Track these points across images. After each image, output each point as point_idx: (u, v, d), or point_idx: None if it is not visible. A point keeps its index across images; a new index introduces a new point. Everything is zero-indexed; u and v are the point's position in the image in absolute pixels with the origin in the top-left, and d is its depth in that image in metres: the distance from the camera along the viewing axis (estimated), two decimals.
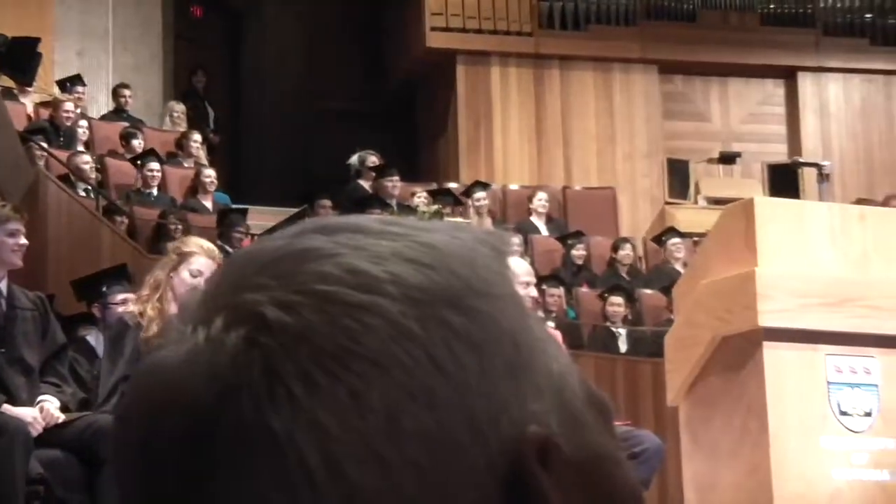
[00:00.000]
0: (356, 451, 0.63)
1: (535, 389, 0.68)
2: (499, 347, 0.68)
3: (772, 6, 15.72)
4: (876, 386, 4.48)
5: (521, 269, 5.66)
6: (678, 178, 15.23)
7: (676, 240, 12.71)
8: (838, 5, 15.78)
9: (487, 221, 13.22)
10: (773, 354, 4.37)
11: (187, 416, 0.65)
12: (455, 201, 12.90)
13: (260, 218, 11.93)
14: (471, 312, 0.67)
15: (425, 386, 0.65)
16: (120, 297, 7.38)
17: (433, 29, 14.90)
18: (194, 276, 5.15)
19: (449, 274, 0.68)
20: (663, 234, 13.16)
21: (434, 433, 0.64)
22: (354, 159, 13.56)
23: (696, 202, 15.05)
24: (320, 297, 0.66)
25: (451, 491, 0.64)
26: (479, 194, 13.02)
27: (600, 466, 0.71)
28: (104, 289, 8.04)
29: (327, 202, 12.60)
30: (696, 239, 11.69)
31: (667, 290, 9.90)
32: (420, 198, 12.68)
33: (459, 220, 10.88)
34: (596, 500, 0.69)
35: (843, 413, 4.40)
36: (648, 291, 12.23)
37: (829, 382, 4.41)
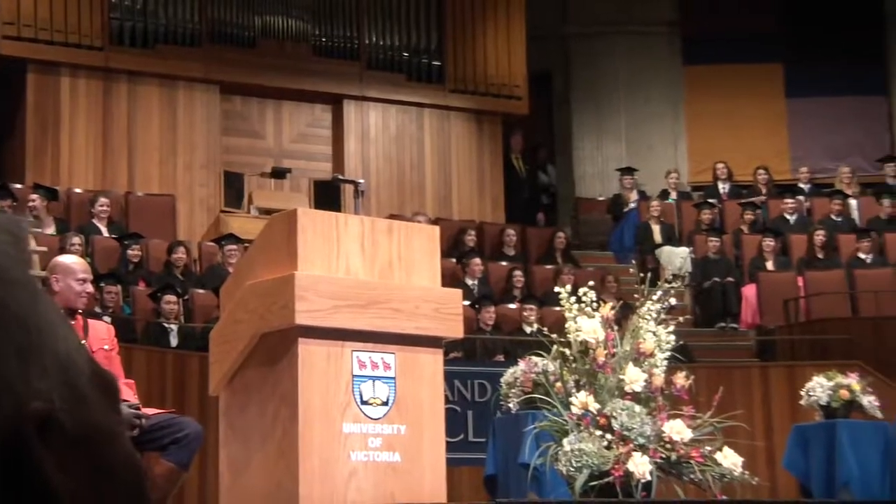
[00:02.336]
0: None
1: (42, 369, 0.67)
2: (6, 331, 0.66)
3: (323, 39, 16.00)
4: (393, 379, 4.63)
5: (78, 266, 5.56)
6: (233, 189, 15.24)
7: (233, 245, 12.74)
8: (380, 43, 16.24)
9: (50, 221, 12.82)
10: (307, 350, 4.44)
11: None
12: (13, 199, 12.57)
13: None
14: None
15: None
16: None
17: (5, 37, 14.27)
18: None
19: None
20: (222, 239, 13.18)
21: None
22: None
23: (248, 212, 15.10)
24: None
25: None
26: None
27: (101, 440, 0.70)
28: None
29: None
30: (246, 245, 11.74)
31: (218, 291, 9.88)
32: None
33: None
34: (97, 469, 0.68)
35: (364, 402, 4.53)
36: (201, 291, 12.21)
37: (353, 375, 4.53)
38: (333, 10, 16.06)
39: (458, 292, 5.17)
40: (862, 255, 15.02)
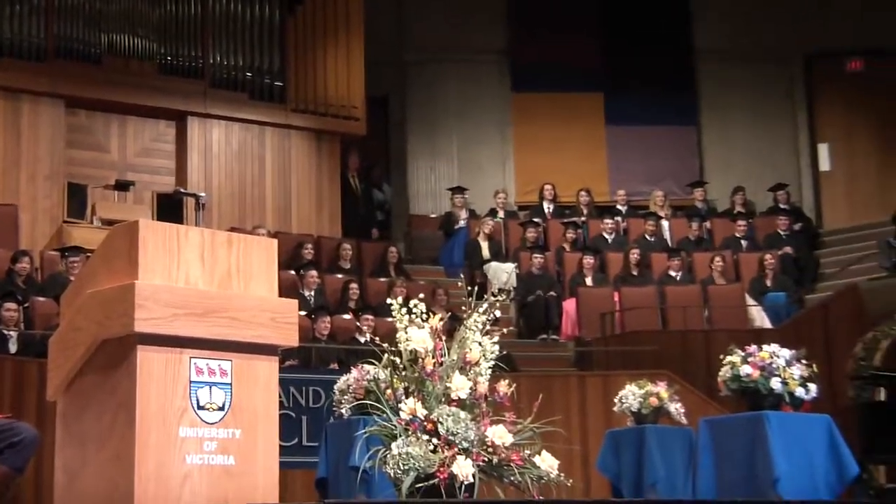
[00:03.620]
0: None
1: None
2: None
3: (168, 58, 15.76)
4: (230, 385, 4.59)
5: None
6: (77, 200, 14.89)
7: (76, 257, 12.45)
8: (224, 62, 16.08)
9: None
10: (145, 356, 4.36)
11: None
12: None
13: None
14: None
15: None
16: None
17: None
18: None
19: None
20: (65, 249, 12.89)
21: None
22: None
23: (92, 223, 14.76)
24: None
25: None
26: None
27: None
28: None
29: None
30: (88, 255, 11.48)
31: (59, 299, 9.64)
32: None
33: None
34: None
35: (201, 407, 4.47)
36: (41, 299, 11.88)
37: (191, 381, 4.47)
38: (179, 30, 15.85)
39: (295, 302, 5.15)
40: (672, 273, 15.43)
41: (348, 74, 16.84)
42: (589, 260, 15.46)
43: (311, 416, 10.66)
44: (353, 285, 14.23)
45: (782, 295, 15.11)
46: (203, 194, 5.90)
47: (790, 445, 7.60)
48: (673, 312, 14.59)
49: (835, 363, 12.71)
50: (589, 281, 15.36)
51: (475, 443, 6.05)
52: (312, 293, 13.91)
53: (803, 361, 8.19)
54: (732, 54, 18.50)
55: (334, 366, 11.84)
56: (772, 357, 8.08)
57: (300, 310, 11.74)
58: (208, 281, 4.66)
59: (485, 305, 6.80)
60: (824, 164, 18.40)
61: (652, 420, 8.96)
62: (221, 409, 4.52)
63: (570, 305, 15.06)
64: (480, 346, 6.63)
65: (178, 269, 4.57)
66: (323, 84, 16.70)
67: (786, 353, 8.19)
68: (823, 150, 18.45)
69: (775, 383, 7.94)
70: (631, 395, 9.01)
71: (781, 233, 16.50)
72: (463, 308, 7.13)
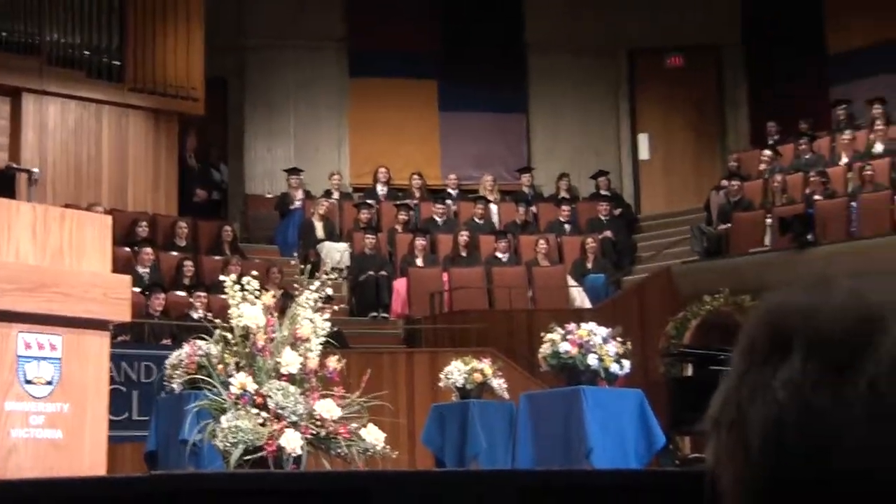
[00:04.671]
0: None
1: None
2: None
3: (3, 33, 15.25)
4: (59, 359, 4.52)
5: None
6: None
7: None
8: (62, 40, 15.65)
9: None
10: None
11: None
12: None
13: None
14: None
15: None
16: None
17: None
18: None
19: None
20: None
21: None
22: None
23: None
24: None
25: None
26: None
27: None
28: None
29: None
30: None
31: None
32: None
33: None
34: None
35: (28, 381, 4.40)
36: None
37: (18, 356, 4.38)
38: (15, 6, 15.35)
39: (127, 278, 5.09)
40: (499, 255, 15.68)
41: (188, 55, 16.58)
42: (420, 241, 15.59)
43: (143, 390, 10.52)
44: (188, 263, 14.06)
45: (601, 276, 15.50)
46: (36, 170, 5.78)
47: (604, 418, 7.83)
48: (499, 292, 14.83)
49: (648, 341, 13.12)
50: (419, 261, 15.49)
51: (304, 416, 6.09)
52: (147, 270, 13.70)
53: (619, 339, 8.45)
54: (561, 47, 18.83)
55: (167, 341, 11.69)
56: (589, 335, 8.32)
57: (134, 286, 11.56)
58: (40, 256, 4.57)
59: (317, 284, 6.83)
60: (643, 153, 18.91)
61: (476, 395, 9.11)
62: (50, 383, 4.45)
63: (400, 285, 15.17)
64: (311, 322, 6.67)
65: (7, 244, 4.48)
66: (162, 64, 16.40)
67: (602, 331, 8.44)
68: (643, 139, 18.96)
69: (592, 360, 8.18)
70: (456, 370, 9.14)
71: (602, 218, 16.90)
72: (296, 286, 7.15)
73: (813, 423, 0.76)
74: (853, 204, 14.07)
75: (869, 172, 14.37)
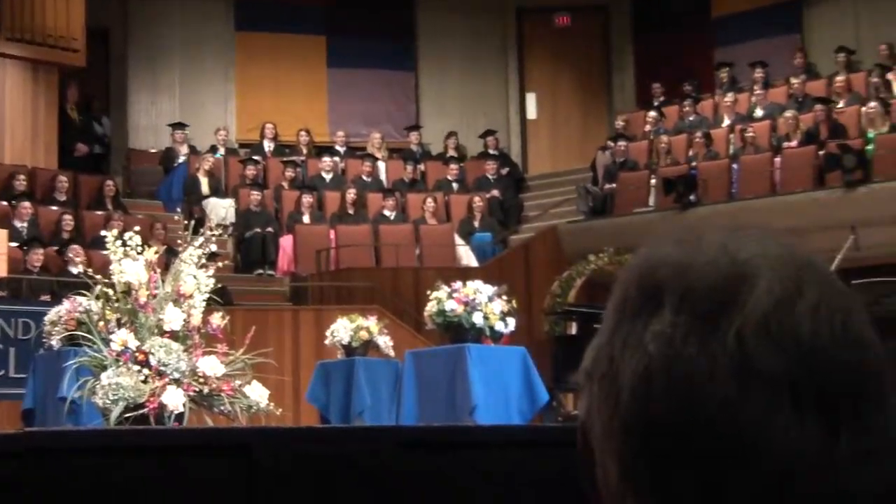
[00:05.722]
0: None
1: None
2: None
3: None
4: None
5: None
6: None
7: None
8: None
9: None
10: None
11: None
12: None
13: None
14: None
15: None
16: None
17: None
18: None
19: None
20: None
21: None
22: None
23: None
24: None
25: None
26: None
27: None
28: None
29: None
30: None
31: None
32: None
33: None
34: None
35: None
36: None
37: None
38: None
39: (3, 232, 4.97)
40: (387, 213, 15.66)
41: (68, 4, 16.13)
42: (307, 198, 15.49)
43: (20, 347, 10.29)
44: (68, 217, 13.77)
45: (488, 235, 15.59)
46: None
47: (488, 375, 7.90)
48: (386, 250, 14.83)
49: (534, 299, 13.26)
50: (306, 219, 15.40)
51: (186, 373, 6.03)
52: (25, 224, 13.38)
53: (504, 297, 8.52)
54: (450, 5, 18.80)
55: (46, 297, 11.45)
56: (475, 293, 8.38)
57: (11, 241, 11.28)
58: None
59: (201, 240, 6.75)
60: (531, 113, 19.02)
61: (361, 353, 9.12)
62: None
63: (286, 242, 15.07)
64: (195, 279, 6.59)
65: None
66: (41, 12, 15.94)
67: (488, 289, 8.51)
68: (531, 99, 19.06)
69: (477, 318, 8.23)
70: (342, 328, 9.13)
71: (489, 177, 16.97)
72: (179, 242, 7.05)
73: (681, 376, 0.77)
74: (734, 165, 14.35)
75: (750, 135, 14.66)
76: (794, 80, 15.79)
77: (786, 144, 14.36)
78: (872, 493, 0.76)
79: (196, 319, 6.44)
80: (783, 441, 0.76)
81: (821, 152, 13.56)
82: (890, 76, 14.86)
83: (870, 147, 13.22)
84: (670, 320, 0.79)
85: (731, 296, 0.78)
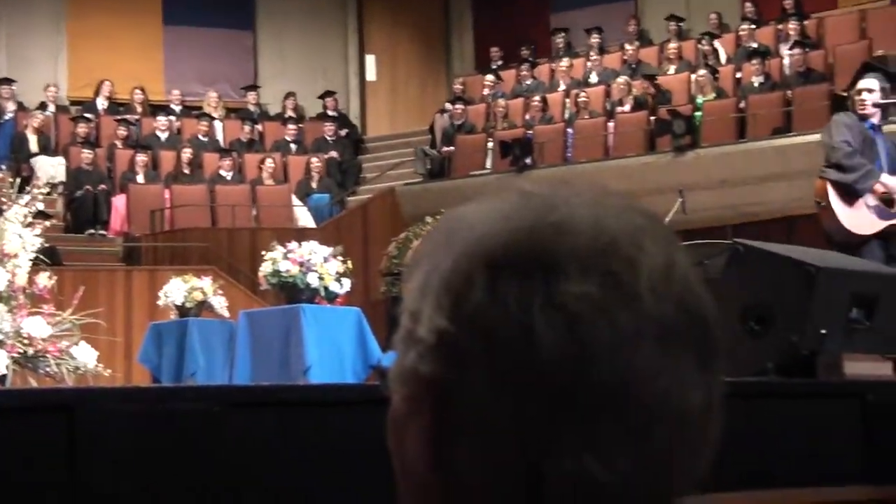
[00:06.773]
0: None
1: None
2: None
3: None
4: None
5: None
6: None
7: None
8: None
9: None
10: None
11: None
12: None
13: None
14: None
15: None
16: None
17: None
18: None
19: None
20: None
21: None
22: None
23: None
24: None
25: None
26: None
27: None
28: None
29: None
30: None
31: None
32: None
33: None
34: None
35: None
36: None
37: None
38: None
39: None
40: (223, 173, 15.43)
41: None
42: (141, 157, 15.15)
43: None
44: None
45: (326, 196, 15.51)
46: None
47: (322, 336, 7.89)
48: (222, 211, 14.62)
49: (371, 261, 13.26)
50: (140, 178, 15.07)
51: (10, 335, 5.86)
52: None
53: (340, 258, 8.51)
54: None
55: None
56: (310, 254, 8.34)
57: None
58: None
59: (27, 198, 6.54)
60: (370, 75, 18.94)
61: (195, 313, 8.99)
62: None
63: (119, 201, 14.74)
64: (21, 238, 6.39)
65: None
66: None
67: (324, 250, 8.48)
68: (370, 61, 18.97)
69: (312, 278, 8.20)
70: (176, 289, 8.99)
71: (328, 138, 16.86)
72: (4, 200, 6.81)
73: (607, 337, 0.76)
74: (569, 130, 14.57)
75: (584, 100, 14.90)
76: (628, 47, 16.09)
77: (619, 109, 14.65)
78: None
79: (21, 279, 6.26)
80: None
81: (652, 118, 13.88)
82: (717, 44, 15.28)
83: (698, 113, 13.58)
84: (585, 282, 0.77)
85: (627, 259, 0.78)
